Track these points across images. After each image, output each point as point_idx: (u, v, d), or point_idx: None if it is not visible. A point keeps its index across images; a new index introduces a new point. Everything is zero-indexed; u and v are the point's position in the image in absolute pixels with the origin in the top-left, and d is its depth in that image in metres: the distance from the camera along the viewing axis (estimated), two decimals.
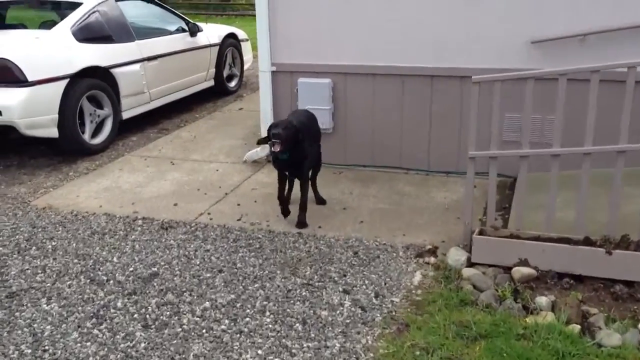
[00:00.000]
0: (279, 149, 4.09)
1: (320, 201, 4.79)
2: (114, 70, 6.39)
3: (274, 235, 4.30)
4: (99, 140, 6.28)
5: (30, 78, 5.50)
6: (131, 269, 3.86)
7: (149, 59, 6.88)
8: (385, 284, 3.65)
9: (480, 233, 3.80)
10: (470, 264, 3.75)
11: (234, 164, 5.84)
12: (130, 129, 6.98)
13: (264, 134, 5.64)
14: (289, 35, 5.42)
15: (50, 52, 5.88)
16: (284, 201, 4.53)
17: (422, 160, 5.38)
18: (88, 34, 6.24)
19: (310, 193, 4.63)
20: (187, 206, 4.86)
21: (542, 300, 3.31)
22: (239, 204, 4.87)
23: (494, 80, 3.71)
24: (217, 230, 4.40)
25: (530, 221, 3.83)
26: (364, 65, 5.31)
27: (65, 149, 6.08)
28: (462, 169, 5.22)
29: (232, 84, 8.87)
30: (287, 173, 4.45)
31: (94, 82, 6.14)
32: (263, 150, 5.69)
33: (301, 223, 4.42)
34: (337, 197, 4.96)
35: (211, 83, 8.30)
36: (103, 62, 6.25)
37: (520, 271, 3.56)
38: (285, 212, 4.52)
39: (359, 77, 5.36)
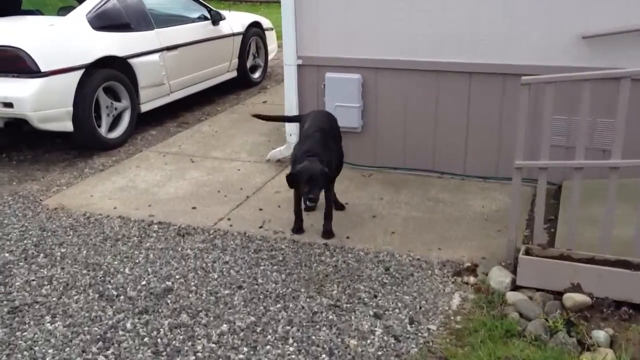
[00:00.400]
0: (312, 205, 3.89)
1: (339, 207, 4.45)
2: (132, 61, 6.09)
3: (298, 246, 3.97)
4: (116, 134, 6.00)
5: (43, 68, 5.22)
6: (144, 282, 3.57)
7: (169, 48, 6.56)
8: (420, 307, 3.30)
9: (527, 252, 3.42)
10: (515, 286, 3.39)
11: (257, 163, 5.52)
12: (149, 122, 6.70)
13: (289, 133, 5.32)
14: (317, 25, 5.06)
15: (64, 40, 5.60)
16: (300, 215, 4.16)
17: (458, 163, 5.00)
18: (105, 21, 5.94)
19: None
20: (206, 210, 4.56)
21: (600, 335, 2.94)
22: (261, 209, 4.55)
23: (547, 83, 3.31)
24: (238, 239, 4.09)
25: (579, 236, 3.44)
26: (396, 60, 4.93)
27: (81, 144, 5.82)
28: (502, 174, 4.86)
29: (256, 75, 8.53)
30: None
31: (111, 73, 5.85)
32: (287, 149, 5.36)
33: (328, 233, 4.09)
34: (366, 202, 4.61)
35: (234, 74, 7.97)
36: (120, 52, 5.95)
37: (572, 298, 3.18)
38: (300, 230, 4.15)
39: (391, 72, 4.98)
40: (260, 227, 4.27)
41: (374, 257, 3.83)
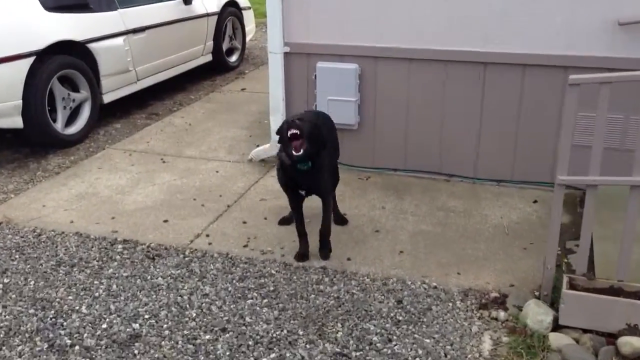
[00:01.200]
0: (301, 150, 3.09)
1: (341, 220, 3.83)
2: (92, 45, 5.33)
3: (291, 272, 3.34)
4: (74, 129, 5.26)
5: None
6: (104, 325, 2.91)
7: (135, 31, 5.81)
8: (445, 354, 2.71)
9: (571, 285, 2.85)
10: (557, 324, 2.82)
11: (237, 163, 4.85)
12: (113, 114, 5.96)
13: (273, 130, 4.64)
14: (307, 7, 4.38)
15: (11, 23, 4.81)
16: (305, 236, 3.48)
17: (468, 165, 4.40)
18: (59, 0, 5.16)
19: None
20: (181, 223, 3.89)
21: None
22: (244, 222, 3.90)
23: (602, 83, 2.71)
24: (219, 262, 3.44)
25: (614, 255, 2.87)
26: (399, 48, 4.28)
27: (33, 141, 5.07)
28: (518, 177, 4.29)
29: (233, 58, 7.80)
30: (302, 192, 3.43)
31: (67, 60, 5.09)
32: (273, 148, 4.70)
33: (325, 253, 3.47)
34: (366, 213, 4.00)
35: (209, 58, 7.22)
36: (78, 36, 5.19)
37: (630, 344, 2.62)
38: (305, 256, 3.45)
39: (392, 62, 4.33)
40: (245, 245, 3.63)
41: (382, 284, 3.22)
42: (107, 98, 5.62)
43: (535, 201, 4.09)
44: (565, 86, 3.98)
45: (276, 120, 4.61)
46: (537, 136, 4.20)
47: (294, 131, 3.08)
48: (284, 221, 3.83)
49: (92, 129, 5.48)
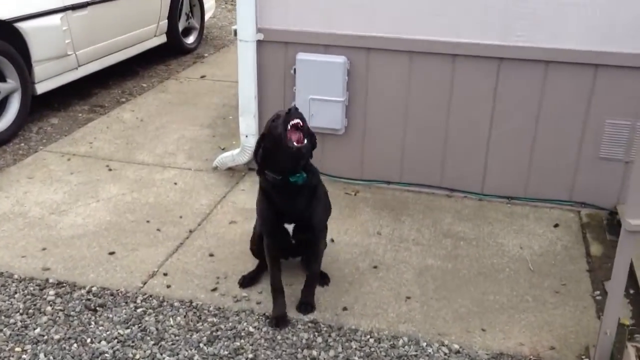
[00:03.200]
0: (304, 144, 2.43)
1: (323, 277, 2.95)
2: (21, 25, 4.41)
3: (273, 330, 2.63)
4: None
5: None
6: None
7: (75, 7, 4.89)
8: None
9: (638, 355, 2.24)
10: None
11: (200, 171, 4.07)
12: (49, 106, 5.07)
13: (244, 129, 3.89)
14: None
15: None
16: (281, 293, 2.72)
17: (475, 179, 3.75)
18: None
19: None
20: (131, 257, 3.12)
21: None
22: (211, 254, 3.16)
23: None
24: (180, 315, 2.70)
25: None
26: (396, 38, 3.56)
27: None
28: (532, 194, 3.68)
29: (190, 39, 6.90)
30: (289, 227, 2.63)
31: None
32: (242, 155, 3.94)
33: (307, 307, 2.74)
34: (359, 241, 3.30)
35: (163, 39, 6.33)
36: (4, 13, 4.27)
37: None
38: (284, 319, 2.66)
39: (389, 55, 3.61)
40: (214, 289, 2.89)
41: (390, 346, 2.55)
42: (41, 88, 4.72)
43: (556, 225, 3.48)
44: (594, 88, 3.41)
45: (247, 122, 3.84)
46: (557, 146, 3.57)
47: (297, 121, 2.42)
48: (246, 281, 2.91)
49: (22, 126, 4.58)
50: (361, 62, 3.66)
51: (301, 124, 2.43)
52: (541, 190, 3.67)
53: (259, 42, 3.71)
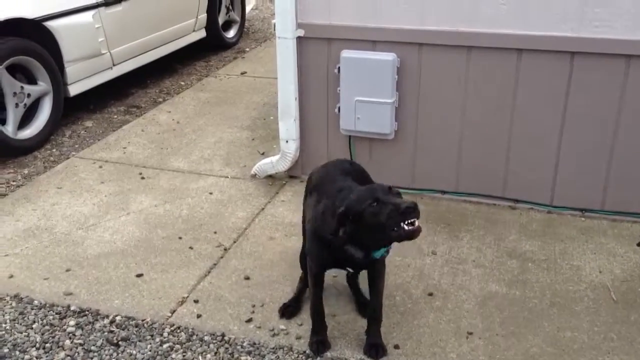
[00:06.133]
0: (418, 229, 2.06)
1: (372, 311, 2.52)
2: (52, 24, 4.20)
3: None
4: (29, 132, 4.17)
5: None
6: None
7: (108, 3, 4.65)
8: None
9: None
10: None
11: (237, 179, 3.77)
12: (84, 107, 4.86)
13: (284, 135, 3.57)
14: None
15: None
16: (323, 319, 2.41)
17: (542, 188, 3.32)
18: None
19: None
20: (160, 279, 2.84)
21: None
22: (247, 277, 2.85)
23: None
24: (210, 353, 2.40)
25: None
26: (453, 32, 3.16)
27: None
28: (610, 206, 3.23)
29: (231, 34, 6.62)
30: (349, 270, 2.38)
31: (19, 44, 3.98)
32: (283, 161, 3.62)
33: (380, 346, 2.37)
34: (411, 262, 2.94)
35: (202, 34, 6.05)
36: (32, 12, 4.06)
37: None
38: (325, 344, 2.39)
39: (444, 50, 3.21)
40: (249, 320, 2.58)
41: None
42: (74, 89, 4.51)
43: (639, 244, 3.03)
44: None
45: (287, 126, 3.51)
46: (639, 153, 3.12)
47: (417, 226, 2.06)
48: (288, 311, 2.60)
49: (55, 130, 4.39)
50: (413, 60, 3.27)
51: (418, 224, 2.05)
52: (621, 202, 3.21)
53: (299, 38, 3.37)
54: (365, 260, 2.20)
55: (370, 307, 2.42)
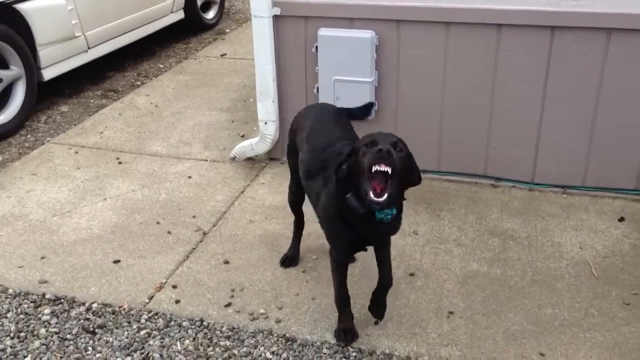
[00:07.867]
0: (385, 195, 1.96)
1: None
2: (22, 6, 4.09)
3: (295, 354, 2.28)
4: (3, 118, 4.09)
5: None
6: None
7: None
8: None
9: None
10: None
11: (216, 162, 3.71)
12: (59, 92, 4.77)
13: (262, 116, 3.51)
14: None
15: None
16: (349, 302, 2.36)
17: (524, 166, 3.30)
18: None
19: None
20: (137, 265, 2.80)
21: None
22: (226, 261, 2.81)
23: None
24: (188, 339, 2.36)
25: None
26: (432, 8, 3.11)
27: None
28: (592, 182, 3.23)
29: (210, 14, 6.50)
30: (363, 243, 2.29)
31: None
32: (262, 144, 3.56)
33: (383, 311, 2.39)
34: (393, 242, 2.84)
35: (180, 15, 5.94)
36: None
37: None
38: (355, 333, 2.35)
39: (423, 27, 3.16)
40: (228, 304, 2.54)
41: None
42: (48, 74, 4.41)
43: (621, 219, 3.02)
44: None
45: (266, 107, 3.45)
46: (621, 128, 3.10)
47: (385, 169, 1.93)
48: (287, 261, 2.76)
49: (29, 116, 4.29)
50: (391, 37, 3.21)
51: (390, 172, 1.93)
52: (602, 178, 3.20)
53: (275, 17, 3.30)
54: (372, 224, 2.10)
55: (383, 279, 2.34)
